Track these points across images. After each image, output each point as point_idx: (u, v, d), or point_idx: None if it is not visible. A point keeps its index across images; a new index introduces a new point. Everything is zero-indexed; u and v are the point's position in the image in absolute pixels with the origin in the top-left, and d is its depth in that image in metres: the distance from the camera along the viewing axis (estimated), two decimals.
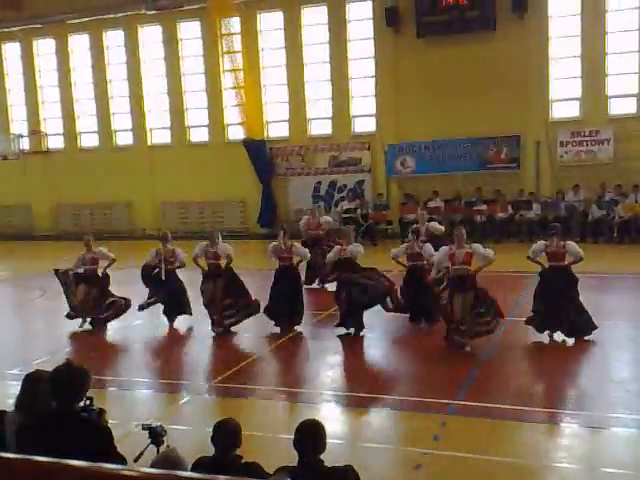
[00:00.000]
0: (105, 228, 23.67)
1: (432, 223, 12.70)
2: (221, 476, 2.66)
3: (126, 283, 12.46)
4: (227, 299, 10.49)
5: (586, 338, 9.40)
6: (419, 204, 19.47)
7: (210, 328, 10.53)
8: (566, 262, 9.42)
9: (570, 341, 9.42)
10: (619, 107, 19.24)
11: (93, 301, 10.95)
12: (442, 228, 12.53)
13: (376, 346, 10.21)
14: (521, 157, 19.79)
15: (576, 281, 9.42)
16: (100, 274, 11.16)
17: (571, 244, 9.60)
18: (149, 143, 24.35)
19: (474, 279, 9.03)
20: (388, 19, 20.32)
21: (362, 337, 10.28)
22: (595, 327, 9.41)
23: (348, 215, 20.66)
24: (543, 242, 9.71)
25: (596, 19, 18.90)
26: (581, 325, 9.41)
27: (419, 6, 19.82)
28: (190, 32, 23.37)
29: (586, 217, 18.52)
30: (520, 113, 19.30)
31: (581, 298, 9.45)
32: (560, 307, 9.28)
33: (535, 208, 18.91)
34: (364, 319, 10.09)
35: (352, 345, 9.72)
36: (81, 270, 11.12)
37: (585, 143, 19.26)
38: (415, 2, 19.83)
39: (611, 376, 8.36)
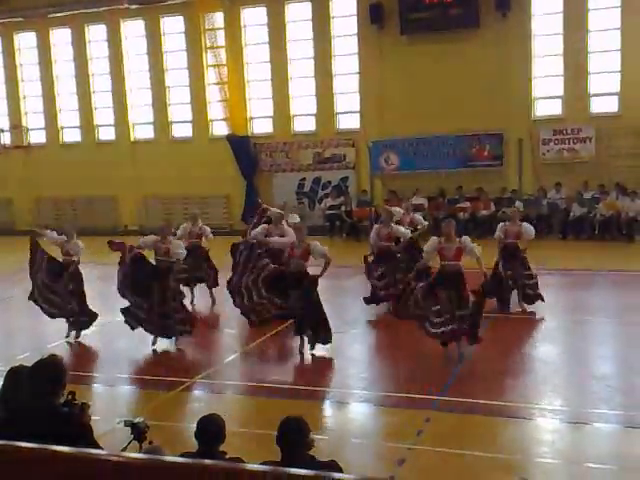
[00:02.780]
0: (87, 223, 23.42)
1: (416, 215, 12.85)
2: (207, 460, 2.66)
3: (107, 279, 12.37)
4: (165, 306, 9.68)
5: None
6: (403, 201, 19.48)
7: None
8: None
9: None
10: (601, 105, 19.36)
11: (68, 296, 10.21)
12: (425, 223, 12.62)
13: (360, 342, 10.23)
14: (504, 154, 19.88)
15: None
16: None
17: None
18: (132, 138, 24.18)
19: (463, 277, 8.71)
20: (372, 16, 20.30)
21: (346, 333, 10.32)
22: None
23: (332, 211, 20.69)
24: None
25: (578, 18, 19.01)
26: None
27: (403, 3, 19.82)
28: (173, 27, 23.17)
29: (568, 215, 18.66)
30: (503, 111, 19.37)
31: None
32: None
33: (517, 205, 18.97)
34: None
35: (335, 341, 9.72)
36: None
37: (567, 141, 19.38)
38: None
39: (593, 372, 8.44)
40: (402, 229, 11.38)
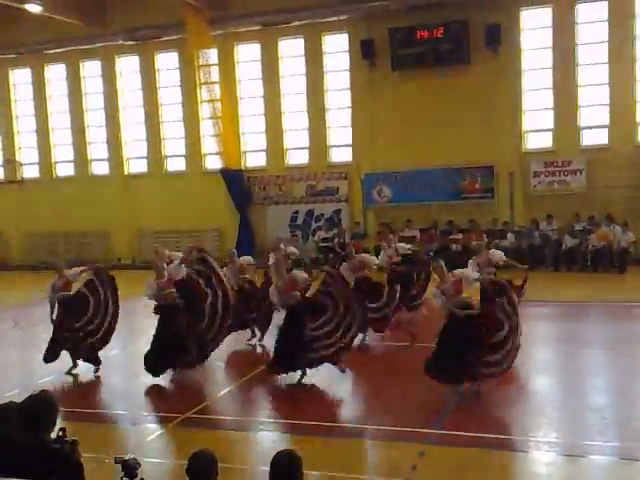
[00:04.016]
0: (81, 257, 23.37)
1: (400, 244, 13.10)
2: None
3: None
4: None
5: None
6: (395, 233, 19.56)
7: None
8: None
9: None
10: (591, 138, 19.56)
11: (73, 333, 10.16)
12: (408, 247, 13.09)
13: (352, 375, 10.15)
14: (495, 187, 20.03)
15: None
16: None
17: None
18: (126, 172, 24.28)
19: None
20: (363, 51, 20.59)
21: (337, 367, 10.28)
22: None
23: (325, 244, 20.72)
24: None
25: (567, 52, 19.30)
26: None
27: (394, 39, 20.11)
28: (168, 63, 23.44)
29: (560, 246, 18.74)
30: (494, 144, 19.57)
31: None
32: None
33: (509, 237, 19.11)
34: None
35: (327, 375, 9.66)
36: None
37: (558, 173, 19.54)
38: (390, 35, 20.12)
39: (587, 404, 8.40)
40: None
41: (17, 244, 25.38)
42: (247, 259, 12.27)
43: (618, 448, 6.92)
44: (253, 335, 11.77)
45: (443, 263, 9.01)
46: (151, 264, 10.30)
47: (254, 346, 11.62)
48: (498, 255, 11.15)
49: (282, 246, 12.51)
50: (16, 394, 8.27)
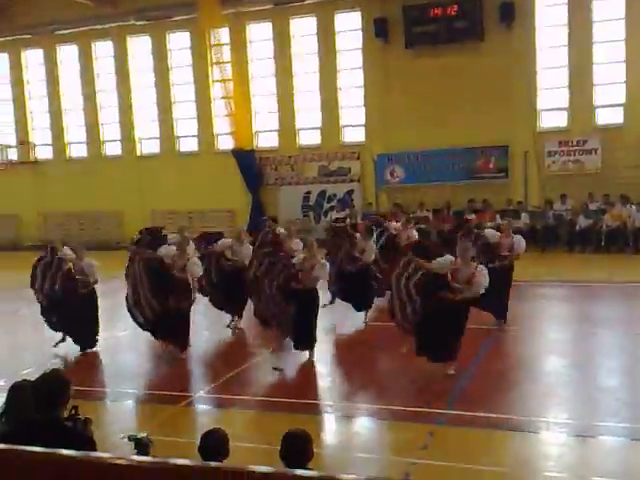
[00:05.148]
0: (94, 238, 23.53)
1: (413, 230, 12.98)
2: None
3: (110, 295, 12.40)
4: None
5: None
6: (408, 214, 19.47)
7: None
8: None
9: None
10: (606, 117, 19.34)
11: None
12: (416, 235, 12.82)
13: (363, 356, 10.17)
14: (509, 167, 19.88)
15: None
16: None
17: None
18: (138, 153, 24.31)
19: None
20: (377, 30, 20.40)
21: (349, 347, 10.28)
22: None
23: (338, 225, 20.67)
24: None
25: (583, 29, 19.04)
26: None
27: (407, 16, 19.92)
28: (179, 43, 23.38)
29: (574, 226, 18.61)
30: (508, 123, 19.39)
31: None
32: None
33: (523, 217, 18.98)
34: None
35: (338, 355, 9.69)
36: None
37: (572, 153, 19.35)
38: (403, 12, 19.93)
39: (599, 384, 8.38)
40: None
41: (31, 225, 25.54)
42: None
43: (630, 429, 6.89)
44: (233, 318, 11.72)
45: (471, 245, 8.70)
46: (178, 244, 10.30)
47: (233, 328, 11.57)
48: (521, 246, 10.81)
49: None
50: (31, 372, 8.36)
